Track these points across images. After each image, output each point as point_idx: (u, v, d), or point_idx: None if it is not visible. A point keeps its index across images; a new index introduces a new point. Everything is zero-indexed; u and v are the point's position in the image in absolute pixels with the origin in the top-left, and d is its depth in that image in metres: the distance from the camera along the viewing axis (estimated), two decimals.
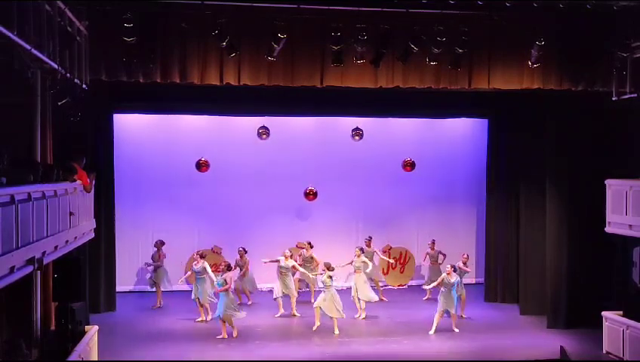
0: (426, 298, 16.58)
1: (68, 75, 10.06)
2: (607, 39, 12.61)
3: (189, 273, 15.53)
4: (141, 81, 11.89)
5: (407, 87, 12.73)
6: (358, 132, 17.76)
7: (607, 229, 12.80)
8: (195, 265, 14.74)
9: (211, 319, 14.25)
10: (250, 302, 16.06)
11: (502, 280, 16.60)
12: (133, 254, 17.08)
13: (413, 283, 18.31)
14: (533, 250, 15.26)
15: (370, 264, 15.54)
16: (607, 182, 12.80)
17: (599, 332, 12.87)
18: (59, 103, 9.97)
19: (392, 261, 17.81)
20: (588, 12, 12.09)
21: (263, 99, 14.85)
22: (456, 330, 13.89)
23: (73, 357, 9.91)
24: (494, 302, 16.52)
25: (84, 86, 11.08)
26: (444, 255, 16.81)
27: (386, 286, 17.95)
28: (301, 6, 11.80)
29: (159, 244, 16.13)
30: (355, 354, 12.65)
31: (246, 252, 16.10)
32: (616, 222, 12.49)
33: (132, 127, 17.02)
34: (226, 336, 13.33)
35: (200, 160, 17.32)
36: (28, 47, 8.30)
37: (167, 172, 17.26)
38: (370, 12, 12.01)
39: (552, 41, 12.42)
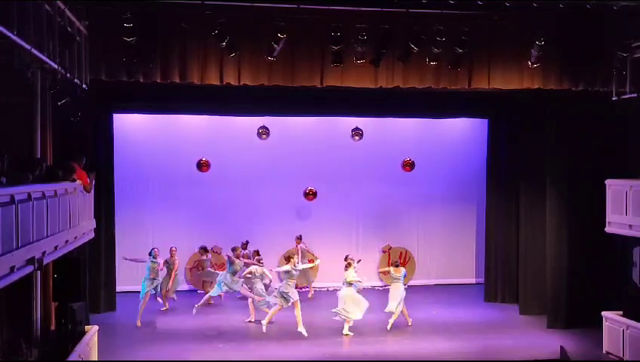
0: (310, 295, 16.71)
1: (68, 74, 10.05)
2: (607, 39, 12.61)
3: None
4: (141, 81, 11.88)
5: (407, 87, 12.73)
6: (357, 132, 17.77)
7: (607, 229, 12.80)
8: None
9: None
10: (165, 308, 15.36)
11: (502, 280, 16.60)
12: (133, 254, 17.02)
13: (414, 283, 18.28)
14: (533, 250, 15.26)
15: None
16: (607, 182, 12.79)
17: (599, 332, 12.86)
18: (59, 103, 9.96)
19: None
20: (588, 12, 12.09)
21: (263, 99, 14.85)
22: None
23: (73, 357, 9.90)
24: (494, 302, 16.51)
25: (84, 86, 11.09)
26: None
27: (386, 286, 17.98)
28: (301, 6, 11.80)
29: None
30: (355, 354, 12.65)
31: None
32: (617, 222, 12.48)
33: (132, 127, 17.02)
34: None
35: (201, 160, 17.33)
36: (28, 46, 8.30)
37: (167, 172, 17.26)
38: (370, 12, 12.01)
39: (552, 41, 12.42)
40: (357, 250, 17.70)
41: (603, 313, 12.82)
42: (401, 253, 18.27)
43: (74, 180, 10.45)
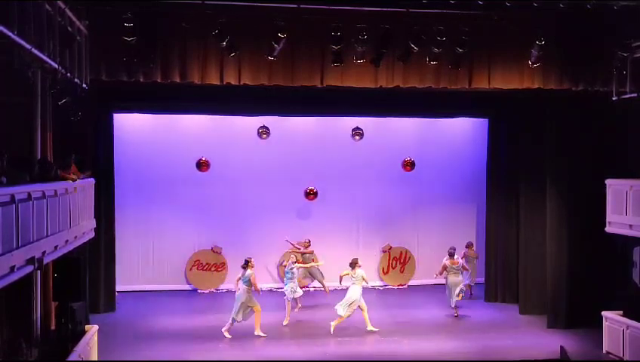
0: None
1: (68, 74, 10.05)
2: (608, 39, 12.62)
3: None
4: (141, 80, 11.89)
5: (407, 87, 12.73)
6: (358, 131, 17.79)
7: (608, 229, 12.80)
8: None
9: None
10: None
11: (502, 280, 16.60)
12: (133, 254, 17.07)
13: (413, 282, 18.29)
14: (533, 250, 15.25)
15: None
16: (608, 181, 12.80)
17: (599, 331, 12.86)
18: (59, 103, 9.97)
19: None
20: (588, 12, 12.09)
21: (263, 99, 14.84)
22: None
23: (73, 356, 9.90)
24: (494, 301, 16.52)
25: (84, 85, 11.08)
26: None
27: (386, 285, 18.05)
28: (301, 5, 11.80)
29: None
30: (355, 354, 12.63)
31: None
32: (617, 221, 12.48)
33: (132, 127, 17.01)
34: None
35: (200, 159, 17.34)
36: (28, 46, 8.31)
37: (167, 171, 17.25)
38: (371, 12, 12.02)
39: (552, 41, 12.42)
40: (357, 249, 17.69)
41: (603, 313, 12.82)
42: (401, 253, 18.29)
43: (74, 179, 10.43)
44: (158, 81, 11.93)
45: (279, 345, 13.01)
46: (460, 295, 14.90)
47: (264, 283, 16.70)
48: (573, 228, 14.26)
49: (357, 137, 17.83)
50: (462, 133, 18.33)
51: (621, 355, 12.21)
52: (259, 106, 15.78)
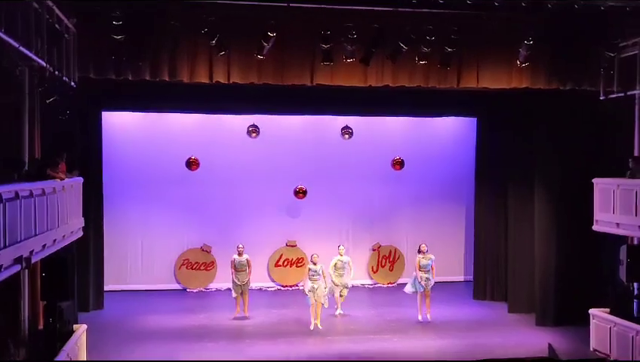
0: None
1: (56, 72, 10.00)
2: (595, 39, 12.70)
3: None
4: (130, 78, 11.84)
5: (396, 86, 12.77)
6: (347, 130, 17.80)
7: (595, 227, 12.87)
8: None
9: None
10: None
11: (490, 279, 16.68)
12: (121, 253, 17.02)
13: (403, 281, 18.30)
14: (522, 249, 15.34)
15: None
16: (595, 180, 12.87)
17: (587, 329, 12.95)
18: (47, 101, 9.92)
19: None
20: (576, 12, 12.16)
21: (252, 98, 14.82)
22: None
23: (61, 356, 9.86)
24: (483, 299, 16.58)
25: (72, 84, 11.03)
26: None
27: (375, 284, 18.09)
28: (291, 4, 11.79)
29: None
30: (344, 353, 12.60)
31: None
32: (604, 220, 12.55)
33: (121, 126, 16.94)
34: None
35: (190, 158, 17.28)
36: (16, 44, 8.28)
37: (156, 170, 17.19)
38: (360, 11, 12.03)
39: (541, 41, 12.49)
40: (347, 248, 17.69)
41: (590, 311, 12.90)
42: (390, 251, 18.33)
43: (62, 178, 10.37)
44: (147, 79, 11.89)
45: (268, 344, 12.97)
46: None
47: (254, 282, 16.67)
48: (561, 226, 14.34)
49: (346, 136, 17.84)
50: (451, 133, 18.38)
51: (608, 353, 12.29)
52: (248, 105, 15.74)
